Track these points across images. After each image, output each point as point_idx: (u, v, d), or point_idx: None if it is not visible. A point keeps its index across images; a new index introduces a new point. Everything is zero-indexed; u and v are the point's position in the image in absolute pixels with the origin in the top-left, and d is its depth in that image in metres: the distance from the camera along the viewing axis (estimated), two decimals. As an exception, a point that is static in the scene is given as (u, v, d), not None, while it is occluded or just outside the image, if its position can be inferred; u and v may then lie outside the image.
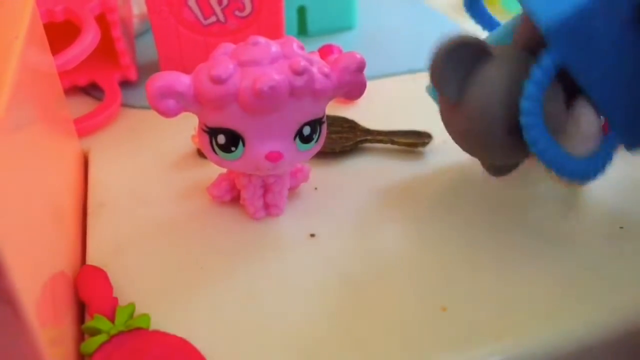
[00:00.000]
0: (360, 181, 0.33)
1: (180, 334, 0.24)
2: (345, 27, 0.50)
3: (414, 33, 0.50)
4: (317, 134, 0.27)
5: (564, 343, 0.24)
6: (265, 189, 0.30)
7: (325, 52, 0.42)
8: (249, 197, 0.30)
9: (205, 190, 0.31)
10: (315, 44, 0.45)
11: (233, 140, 0.26)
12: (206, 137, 0.27)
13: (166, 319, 0.25)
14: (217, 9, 0.39)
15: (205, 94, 0.25)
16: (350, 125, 0.36)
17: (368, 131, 0.36)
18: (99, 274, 0.27)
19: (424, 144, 0.35)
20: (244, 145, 0.26)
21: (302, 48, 0.26)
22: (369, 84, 0.28)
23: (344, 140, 0.35)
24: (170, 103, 0.25)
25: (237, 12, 0.40)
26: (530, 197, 0.32)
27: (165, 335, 0.24)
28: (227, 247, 0.29)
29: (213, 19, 0.40)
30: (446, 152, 0.35)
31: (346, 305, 0.26)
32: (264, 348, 0.24)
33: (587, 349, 0.25)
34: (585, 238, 0.29)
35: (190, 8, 0.39)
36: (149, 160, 0.35)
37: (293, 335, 0.25)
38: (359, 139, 0.35)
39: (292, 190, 0.32)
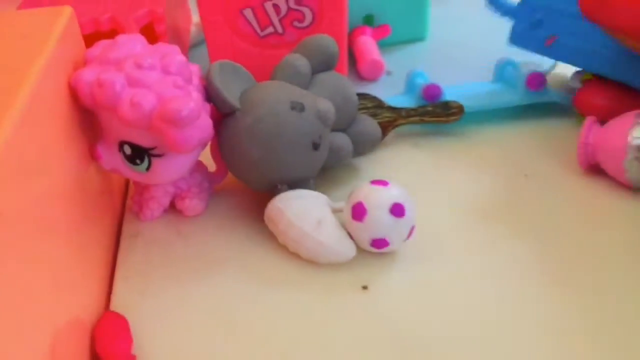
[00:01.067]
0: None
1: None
2: (415, 38, 0.46)
3: (485, 44, 0.45)
4: (144, 160, 0.25)
5: None
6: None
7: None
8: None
9: (254, 222, 0.29)
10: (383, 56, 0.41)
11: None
12: None
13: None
14: (275, 20, 0.36)
15: None
16: (377, 103, 0.35)
17: (394, 108, 0.35)
18: (120, 326, 0.23)
19: (455, 116, 0.34)
20: None
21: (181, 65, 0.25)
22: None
23: (372, 116, 0.34)
24: None
25: (296, 23, 0.36)
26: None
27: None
28: (251, 294, 0.25)
29: (270, 29, 0.36)
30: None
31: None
32: None
33: None
34: None
35: (245, 18, 0.36)
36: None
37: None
38: (397, 123, 0.34)
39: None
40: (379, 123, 0.33)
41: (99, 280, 0.26)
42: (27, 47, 0.23)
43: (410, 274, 0.26)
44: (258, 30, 0.36)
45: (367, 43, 0.42)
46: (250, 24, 0.36)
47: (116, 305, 0.25)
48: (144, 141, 0.25)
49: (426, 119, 0.34)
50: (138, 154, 0.25)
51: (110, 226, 0.29)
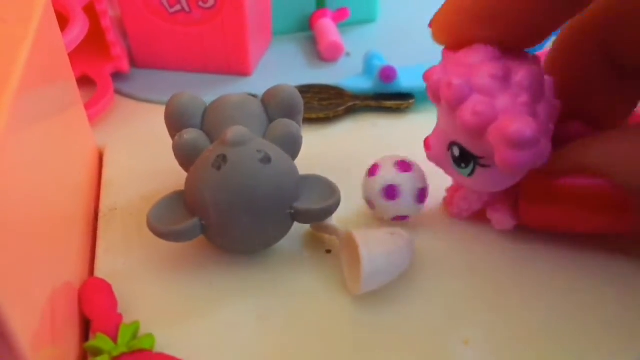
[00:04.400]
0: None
1: (186, 356, 0.23)
2: (366, 19, 0.49)
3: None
4: (469, 166, 0.25)
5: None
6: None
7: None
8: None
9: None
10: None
11: None
12: None
13: (172, 340, 0.24)
14: None
15: None
16: (337, 92, 0.38)
17: (355, 96, 0.38)
18: (104, 288, 0.25)
19: (409, 105, 0.37)
20: None
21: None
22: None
23: (335, 105, 0.37)
24: None
25: (201, 4, 0.39)
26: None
27: (169, 358, 0.23)
28: (242, 267, 0.28)
29: (178, 7, 0.40)
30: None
31: None
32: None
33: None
34: None
35: (155, -6, 0.40)
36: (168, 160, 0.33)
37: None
38: (349, 104, 0.37)
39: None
40: (342, 109, 0.37)
41: (83, 251, 0.28)
42: (9, 31, 0.25)
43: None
44: (167, 7, 0.40)
45: (328, 25, 0.44)
46: (160, 0, 0.40)
47: (99, 272, 0.27)
48: (474, 148, 0.24)
49: (383, 103, 0.37)
50: (465, 159, 0.25)
51: (89, 201, 0.31)
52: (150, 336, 0.24)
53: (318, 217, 0.26)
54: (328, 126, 0.37)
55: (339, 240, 0.27)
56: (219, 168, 0.25)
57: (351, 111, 0.37)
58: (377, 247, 0.25)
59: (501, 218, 0.28)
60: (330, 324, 0.25)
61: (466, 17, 0.23)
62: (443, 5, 0.24)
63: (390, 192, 0.27)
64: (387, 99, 0.38)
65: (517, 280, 0.27)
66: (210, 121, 0.29)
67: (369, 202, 0.29)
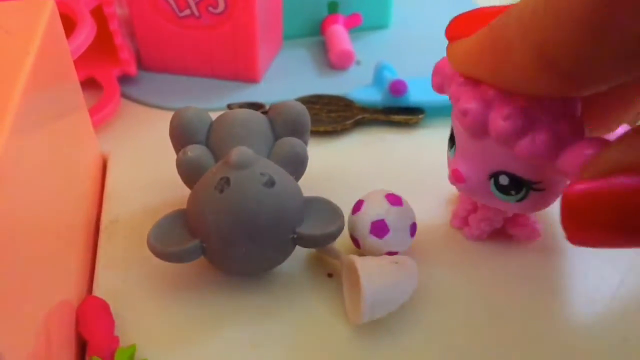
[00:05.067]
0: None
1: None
2: (379, 25, 0.48)
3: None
4: (520, 192, 0.24)
5: None
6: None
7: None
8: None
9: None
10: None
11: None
12: None
13: (167, 365, 0.24)
14: (192, 3, 0.39)
15: None
16: (345, 104, 0.38)
17: (364, 109, 0.37)
18: (102, 308, 0.25)
19: (418, 120, 0.37)
20: None
21: None
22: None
23: (343, 118, 0.37)
24: None
25: (210, 9, 0.39)
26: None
27: (164, 386, 0.23)
28: (243, 289, 0.27)
29: (187, 12, 0.39)
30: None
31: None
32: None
33: None
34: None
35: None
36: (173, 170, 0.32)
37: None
38: (358, 117, 0.36)
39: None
40: (350, 123, 0.36)
41: (83, 266, 0.28)
42: (13, 43, 0.24)
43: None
44: (177, 11, 0.39)
45: (339, 32, 0.44)
46: (169, 4, 0.39)
47: (98, 290, 0.27)
48: (531, 175, 0.23)
49: (392, 117, 0.37)
50: (516, 186, 0.24)
51: (90, 212, 0.31)
52: (145, 361, 0.23)
53: (321, 242, 0.26)
54: (336, 139, 0.36)
55: (342, 265, 0.27)
56: (221, 191, 0.24)
57: (359, 124, 0.37)
58: (379, 277, 0.24)
59: (525, 232, 0.28)
60: (327, 354, 0.25)
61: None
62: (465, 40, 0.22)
63: (380, 227, 0.26)
64: (396, 113, 0.37)
65: (522, 310, 0.26)
66: (216, 137, 0.28)
67: (355, 241, 0.27)
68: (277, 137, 0.29)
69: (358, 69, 0.43)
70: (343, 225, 0.26)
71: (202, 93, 0.41)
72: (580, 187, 0.19)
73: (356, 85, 0.39)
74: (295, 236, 0.25)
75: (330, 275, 0.28)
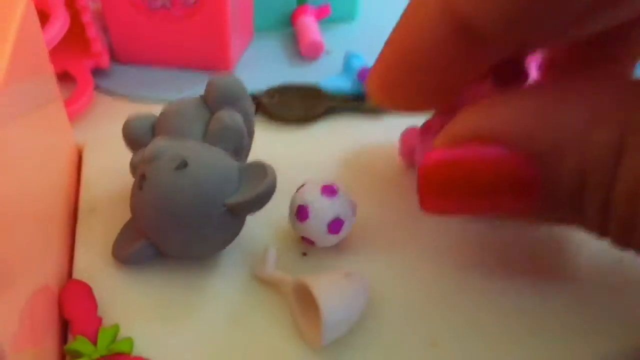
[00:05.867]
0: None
1: (163, 360, 0.24)
2: (347, 16, 0.49)
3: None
4: None
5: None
6: None
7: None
8: None
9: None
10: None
11: None
12: None
13: (150, 343, 0.25)
14: None
15: None
16: (316, 93, 0.38)
17: (334, 97, 0.38)
18: (83, 290, 0.26)
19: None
20: None
21: None
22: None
23: (314, 107, 0.37)
24: None
25: (181, 0, 0.39)
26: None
27: (147, 362, 0.24)
28: (220, 267, 0.28)
29: (159, 3, 0.40)
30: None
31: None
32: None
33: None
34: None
35: (137, -11, 0.40)
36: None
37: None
38: (328, 105, 0.37)
39: None
40: (321, 110, 0.37)
41: (62, 252, 0.28)
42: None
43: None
44: (148, 3, 0.40)
45: (309, 23, 0.45)
46: None
47: (79, 275, 0.28)
48: None
49: (361, 105, 0.38)
50: None
51: (68, 201, 0.31)
52: (129, 340, 0.24)
53: (252, 206, 0.26)
54: (306, 127, 0.37)
55: (289, 287, 0.26)
56: (140, 187, 0.26)
57: (330, 112, 0.38)
58: (335, 295, 0.24)
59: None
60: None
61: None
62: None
63: (301, 212, 0.27)
64: (365, 100, 0.38)
65: (474, 312, 0.27)
66: (158, 134, 0.29)
67: (289, 215, 0.28)
68: (213, 113, 0.29)
69: (328, 59, 0.44)
70: (272, 184, 0.25)
71: (175, 84, 0.41)
72: (435, 156, 0.20)
73: (326, 74, 0.41)
74: (226, 208, 0.25)
75: (304, 254, 0.29)
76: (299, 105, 0.38)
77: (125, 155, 0.34)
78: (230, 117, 0.28)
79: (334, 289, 0.24)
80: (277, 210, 0.28)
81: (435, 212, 0.21)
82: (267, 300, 0.27)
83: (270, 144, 0.35)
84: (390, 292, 0.27)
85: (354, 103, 0.38)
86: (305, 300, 0.25)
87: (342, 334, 0.25)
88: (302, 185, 0.28)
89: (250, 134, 0.30)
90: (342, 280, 0.25)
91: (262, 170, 0.26)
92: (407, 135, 0.32)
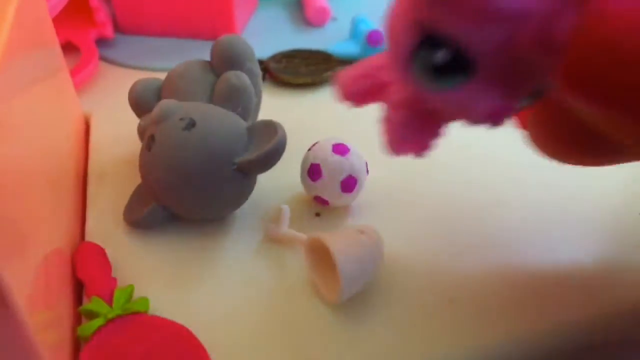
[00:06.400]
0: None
1: (179, 320, 0.23)
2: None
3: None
4: None
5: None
6: None
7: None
8: None
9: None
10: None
11: None
12: None
13: (166, 303, 0.24)
14: None
15: None
16: (324, 57, 0.38)
17: (343, 61, 0.38)
18: (98, 252, 0.26)
19: None
20: None
21: None
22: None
23: (322, 70, 0.37)
24: None
25: None
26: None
27: (163, 321, 0.23)
28: (233, 228, 0.28)
29: None
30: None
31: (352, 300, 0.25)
32: (263, 340, 0.23)
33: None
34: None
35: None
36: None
37: (293, 327, 0.24)
38: (336, 69, 0.37)
39: None
40: (329, 74, 0.36)
41: (74, 216, 0.28)
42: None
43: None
44: None
45: (314, -11, 0.44)
46: None
47: (91, 237, 0.27)
48: None
49: None
50: None
51: (78, 167, 0.31)
52: (144, 299, 0.24)
53: (263, 164, 0.25)
54: (314, 91, 0.37)
55: (304, 247, 0.25)
56: (149, 149, 0.25)
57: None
58: (351, 251, 0.23)
59: None
60: (314, 284, 0.25)
61: None
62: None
63: (314, 170, 0.27)
64: None
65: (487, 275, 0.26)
66: (165, 97, 0.29)
67: (301, 175, 0.28)
68: (218, 76, 0.29)
69: (335, 25, 0.43)
70: (282, 141, 0.25)
71: (180, 54, 0.41)
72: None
73: (334, 40, 0.40)
74: (235, 167, 0.25)
75: (317, 214, 0.28)
76: (307, 70, 0.37)
77: (132, 123, 0.34)
78: (237, 76, 0.28)
79: (349, 245, 0.24)
80: (287, 173, 0.28)
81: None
82: (281, 261, 0.26)
83: (279, 108, 0.34)
84: (406, 251, 0.27)
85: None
86: (321, 258, 0.25)
87: (359, 290, 0.24)
88: (314, 144, 0.28)
89: (259, 95, 0.30)
90: (357, 236, 0.24)
91: (272, 129, 0.25)
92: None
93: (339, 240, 0.24)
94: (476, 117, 0.17)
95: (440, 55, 0.16)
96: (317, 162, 0.27)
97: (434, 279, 0.26)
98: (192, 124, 0.25)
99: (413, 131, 0.20)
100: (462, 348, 0.23)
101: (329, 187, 0.27)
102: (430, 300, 0.25)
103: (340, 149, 0.27)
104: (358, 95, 0.22)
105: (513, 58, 0.16)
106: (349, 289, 0.23)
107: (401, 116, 0.20)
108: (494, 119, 0.17)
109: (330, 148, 0.27)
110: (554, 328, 0.24)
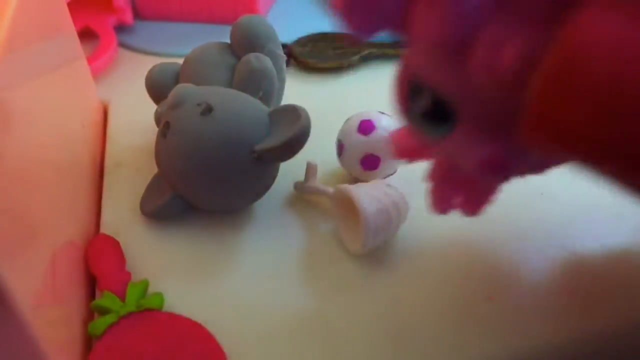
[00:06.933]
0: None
1: (195, 317, 0.22)
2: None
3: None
4: None
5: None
6: None
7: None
8: None
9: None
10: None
11: None
12: None
13: (181, 299, 0.23)
14: None
15: None
16: None
17: (371, 44, 0.35)
18: (112, 245, 0.24)
19: None
20: None
21: None
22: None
23: (350, 54, 0.35)
24: None
25: None
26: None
27: (178, 318, 0.22)
28: (255, 220, 0.26)
29: None
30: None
31: (382, 290, 0.23)
32: (285, 340, 0.22)
33: None
34: None
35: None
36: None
37: (318, 325, 0.22)
38: (365, 52, 0.35)
39: None
40: (357, 58, 0.34)
41: (89, 207, 0.27)
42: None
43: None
44: None
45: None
46: None
47: (106, 229, 0.26)
48: None
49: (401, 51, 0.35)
50: None
51: (94, 156, 0.30)
52: (159, 295, 0.23)
53: (284, 152, 0.23)
54: (342, 76, 0.35)
55: (332, 199, 0.25)
56: (165, 136, 0.24)
57: (367, 60, 0.35)
58: (375, 201, 0.23)
59: None
60: (336, 278, 0.24)
61: None
62: None
63: (366, 126, 0.26)
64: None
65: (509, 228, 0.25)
66: (183, 81, 0.28)
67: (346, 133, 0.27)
68: (239, 59, 0.27)
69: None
70: (304, 128, 0.23)
71: (201, 39, 0.39)
72: None
73: (361, 23, 0.38)
74: (256, 155, 0.23)
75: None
76: (333, 54, 0.35)
77: (150, 111, 0.32)
78: (257, 59, 0.26)
79: (373, 195, 0.23)
80: (312, 159, 0.26)
81: None
82: (304, 254, 0.25)
83: (303, 94, 0.32)
84: (440, 241, 0.25)
85: (391, 50, 0.35)
86: (347, 211, 0.24)
87: (382, 242, 0.24)
88: (347, 120, 0.27)
89: (282, 79, 0.28)
90: (382, 188, 0.24)
91: (295, 114, 0.24)
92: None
93: (363, 190, 0.23)
94: (474, 167, 0.17)
95: (424, 102, 0.17)
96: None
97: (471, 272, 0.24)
98: (209, 109, 0.23)
99: (449, 189, 0.21)
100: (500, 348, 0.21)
101: (349, 164, 0.26)
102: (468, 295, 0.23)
103: (364, 127, 0.26)
104: (411, 152, 0.22)
105: (485, 99, 0.15)
106: (373, 238, 0.23)
107: (435, 175, 0.21)
108: (491, 168, 0.16)
109: (356, 126, 0.26)
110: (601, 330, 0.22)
